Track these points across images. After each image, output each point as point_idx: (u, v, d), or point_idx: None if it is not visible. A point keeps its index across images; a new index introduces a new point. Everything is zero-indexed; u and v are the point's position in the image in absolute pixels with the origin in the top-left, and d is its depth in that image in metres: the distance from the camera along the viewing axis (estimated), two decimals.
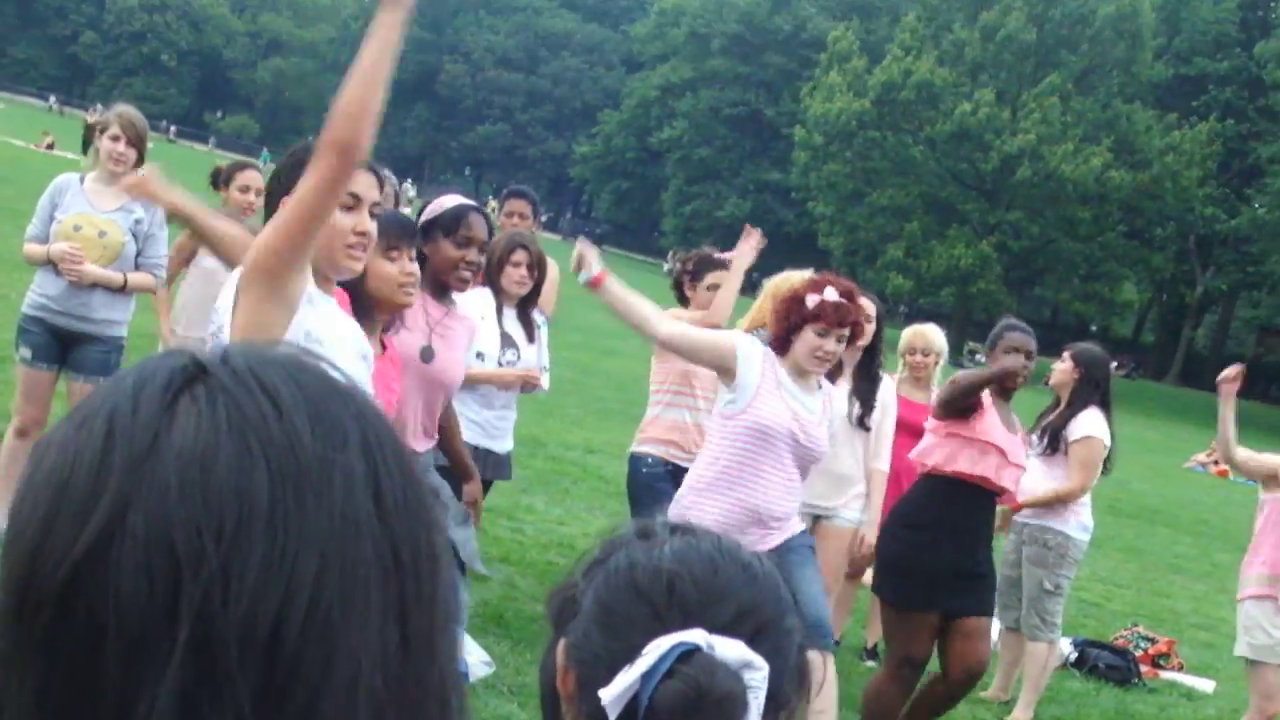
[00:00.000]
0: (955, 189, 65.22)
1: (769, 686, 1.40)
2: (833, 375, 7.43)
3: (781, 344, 5.76)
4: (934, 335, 8.77)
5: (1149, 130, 63.29)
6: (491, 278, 6.87)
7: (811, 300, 5.64)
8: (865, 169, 66.12)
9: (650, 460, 7.24)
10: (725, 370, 5.74)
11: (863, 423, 7.46)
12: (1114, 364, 17.70)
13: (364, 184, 3.73)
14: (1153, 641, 10.56)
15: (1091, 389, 8.05)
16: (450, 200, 5.42)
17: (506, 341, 6.78)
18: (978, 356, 61.27)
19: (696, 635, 1.38)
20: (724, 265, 7.23)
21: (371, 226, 3.78)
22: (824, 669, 5.85)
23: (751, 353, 5.72)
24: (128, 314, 7.41)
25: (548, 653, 1.54)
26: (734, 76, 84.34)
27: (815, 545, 7.34)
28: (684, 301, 7.44)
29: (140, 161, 7.17)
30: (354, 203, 3.70)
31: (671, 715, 1.35)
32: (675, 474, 6.72)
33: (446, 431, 5.67)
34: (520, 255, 6.93)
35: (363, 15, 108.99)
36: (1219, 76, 70.22)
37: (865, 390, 7.49)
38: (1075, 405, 8.02)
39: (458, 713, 0.95)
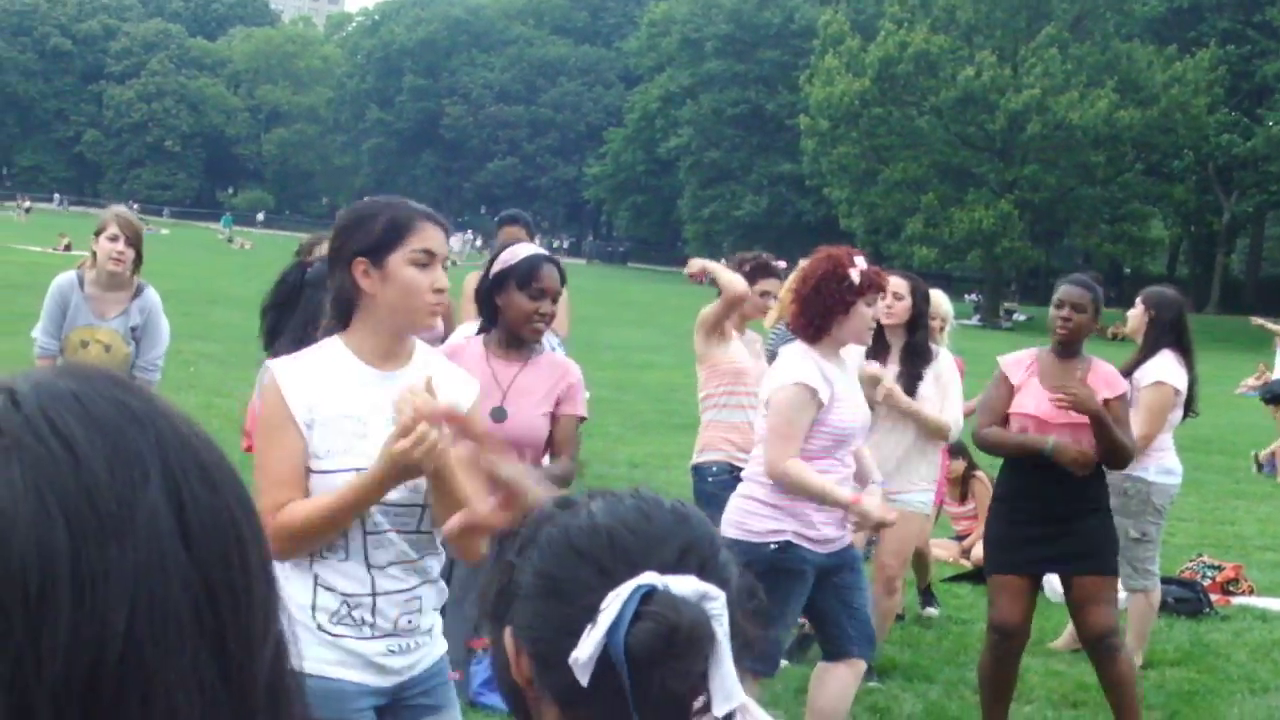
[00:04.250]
0: (967, 153, 64.92)
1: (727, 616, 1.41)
2: (881, 356, 7.38)
3: (819, 330, 5.56)
4: (937, 298, 8.75)
5: (1151, 66, 62.82)
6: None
7: (855, 275, 5.48)
8: (875, 147, 65.84)
9: (714, 469, 7.23)
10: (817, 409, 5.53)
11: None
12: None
13: (437, 239, 3.64)
14: (1219, 569, 10.47)
15: (1163, 332, 7.91)
16: (522, 250, 5.20)
17: None
18: (1015, 316, 61.34)
19: (650, 577, 1.40)
20: (778, 274, 7.17)
21: (446, 281, 3.63)
22: (850, 674, 5.86)
23: (812, 375, 5.49)
24: None
25: (494, 648, 1.53)
26: (731, 76, 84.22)
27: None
28: None
29: (139, 260, 7.15)
30: (428, 259, 3.58)
31: (650, 654, 1.36)
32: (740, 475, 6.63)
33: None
34: None
35: (356, 73, 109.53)
36: (1214, 4, 69.81)
37: (914, 368, 7.45)
38: (1146, 350, 7.90)
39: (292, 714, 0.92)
